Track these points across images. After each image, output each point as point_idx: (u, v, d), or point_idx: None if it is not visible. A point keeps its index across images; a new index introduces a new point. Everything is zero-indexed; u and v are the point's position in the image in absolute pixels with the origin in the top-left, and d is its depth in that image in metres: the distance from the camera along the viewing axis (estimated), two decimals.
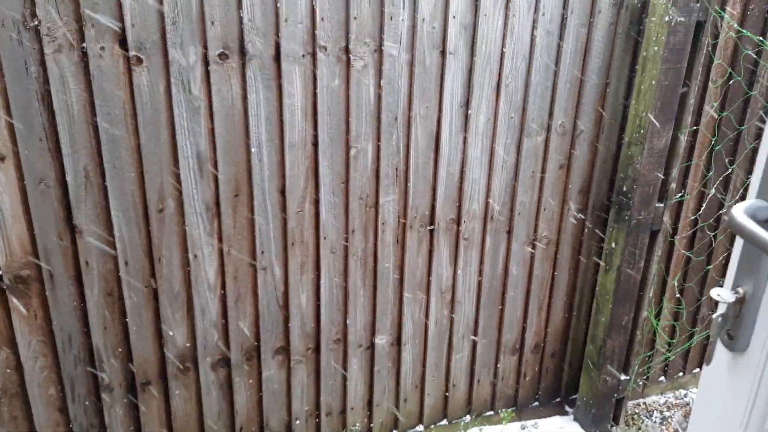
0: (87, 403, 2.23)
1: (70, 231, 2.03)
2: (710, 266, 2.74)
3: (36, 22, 1.81)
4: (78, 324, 2.14)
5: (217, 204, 2.19)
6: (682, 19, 2.25)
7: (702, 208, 2.57)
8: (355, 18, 2.14)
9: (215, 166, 2.14)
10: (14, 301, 2.03)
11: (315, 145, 2.26)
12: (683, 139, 2.42)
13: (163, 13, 1.92)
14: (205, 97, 2.06)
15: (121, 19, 1.89)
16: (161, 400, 2.34)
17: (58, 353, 2.13)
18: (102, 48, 1.89)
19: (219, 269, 2.27)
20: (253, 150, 2.17)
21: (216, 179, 2.16)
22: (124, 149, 2.01)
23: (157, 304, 2.22)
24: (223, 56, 2.04)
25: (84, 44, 1.87)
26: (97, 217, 2.05)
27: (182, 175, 2.11)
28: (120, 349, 2.22)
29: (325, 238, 2.38)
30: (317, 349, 2.52)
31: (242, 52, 2.06)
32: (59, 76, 1.87)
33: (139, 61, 1.94)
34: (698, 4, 2.26)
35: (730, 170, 2.54)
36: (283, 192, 2.27)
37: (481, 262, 2.61)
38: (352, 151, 2.31)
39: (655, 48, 2.28)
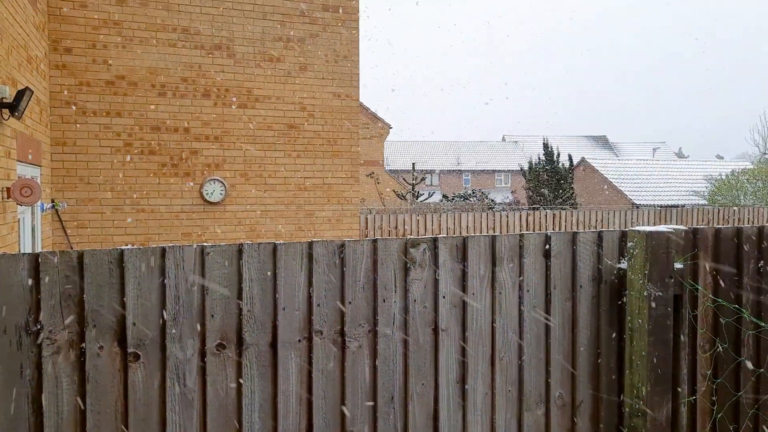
0: None
1: None
2: None
3: (38, 327, 1.85)
4: None
5: None
6: (660, 293, 2.37)
7: None
8: (350, 303, 2.23)
9: None
10: None
11: (309, 430, 2.18)
12: (684, 409, 2.39)
13: (164, 310, 1.99)
14: (200, 389, 2.03)
15: (123, 319, 1.94)
16: None
17: None
18: (100, 347, 1.91)
19: None
20: None
21: None
22: None
23: None
24: (220, 347, 2.06)
25: (83, 345, 1.90)
26: None
27: None
28: None
29: None
30: None
31: (239, 341, 2.09)
32: (53, 378, 1.86)
33: (136, 357, 1.95)
34: (672, 279, 2.40)
35: None
36: None
37: None
38: None
39: (639, 320, 2.37)
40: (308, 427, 2.17)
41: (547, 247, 2.45)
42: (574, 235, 2.48)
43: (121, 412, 1.93)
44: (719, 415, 2.41)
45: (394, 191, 28.46)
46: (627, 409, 2.41)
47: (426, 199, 29.29)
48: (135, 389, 1.95)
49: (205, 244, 2.06)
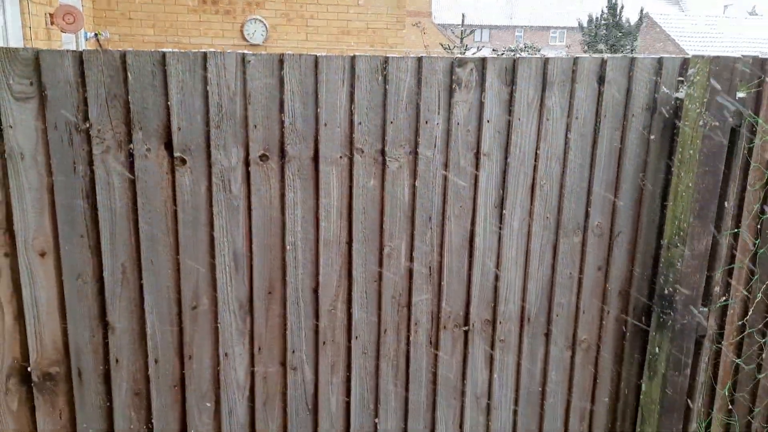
0: None
1: (102, 328, 2.02)
2: (761, 375, 2.59)
3: (87, 125, 1.89)
4: (103, 425, 2.08)
5: (251, 301, 2.18)
6: (717, 123, 2.26)
7: (749, 313, 2.47)
8: (391, 122, 2.20)
9: (251, 264, 2.15)
10: (40, 400, 1.99)
11: (349, 243, 2.26)
12: (724, 242, 2.37)
13: (208, 117, 2.00)
14: (244, 197, 2.10)
15: (168, 123, 1.96)
16: None
17: None
18: (148, 149, 1.96)
19: (249, 369, 2.22)
20: (288, 248, 2.18)
21: (251, 277, 2.16)
22: (162, 246, 2.03)
23: (184, 404, 2.16)
24: (263, 157, 2.09)
25: (131, 145, 1.95)
26: (130, 314, 2.04)
27: (218, 273, 2.11)
28: None
29: (356, 338, 2.33)
30: None
31: (282, 153, 2.11)
32: (105, 175, 1.94)
33: (183, 162, 2.00)
34: (732, 109, 2.27)
35: None
36: (316, 290, 2.25)
37: (519, 366, 2.51)
38: (386, 250, 2.30)
39: (691, 152, 2.28)
40: (348, 238, 2.24)
41: (602, 72, 2.33)
42: (632, 60, 2.34)
43: (171, 213, 2.02)
44: (761, 251, 2.39)
45: (441, 44, 27.35)
46: (666, 240, 2.40)
47: (474, 53, 28.13)
48: (183, 192, 2.02)
49: (246, 52, 2.01)
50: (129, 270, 2.02)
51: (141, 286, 2.04)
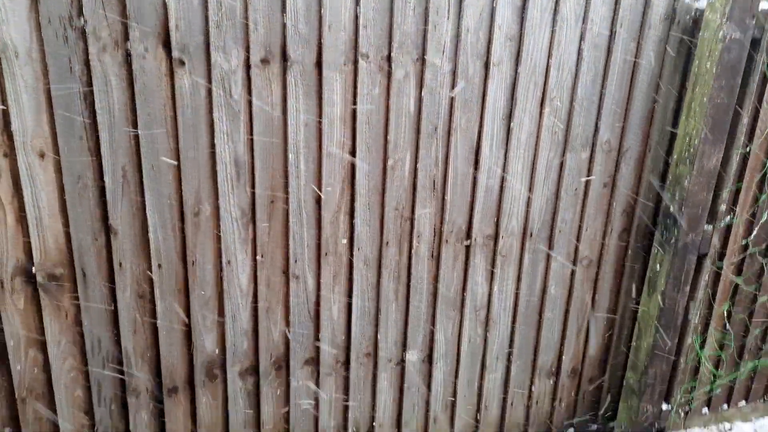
0: (113, 406, 2.20)
1: (105, 231, 2.02)
2: (763, 297, 2.61)
3: (82, 21, 1.81)
4: (108, 326, 2.12)
5: (253, 210, 2.17)
6: (737, 35, 2.16)
7: (753, 233, 2.46)
8: (398, 26, 2.11)
9: (252, 172, 2.12)
10: (46, 300, 2.02)
11: (352, 153, 2.22)
12: (735, 159, 2.33)
13: (207, 16, 1.92)
14: (246, 102, 2.04)
15: (166, 21, 1.88)
16: (187, 407, 2.30)
17: (87, 355, 2.11)
18: (146, 49, 1.89)
19: (252, 276, 2.23)
20: (290, 156, 2.15)
21: (253, 184, 2.14)
22: (162, 151, 2.00)
23: (188, 308, 2.20)
24: (264, 61, 2.02)
25: (128, 45, 1.88)
26: (132, 218, 2.04)
27: (219, 179, 2.09)
28: (148, 354, 2.19)
29: (359, 249, 2.33)
30: (347, 363, 2.46)
31: (284, 57, 2.04)
32: (102, 76, 1.88)
33: (182, 63, 1.94)
34: (753, 21, 2.17)
35: None
36: (318, 201, 2.23)
37: (519, 281, 2.53)
38: (390, 162, 2.26)
39: (708, 64, 2.20)
40: (351, 149, 2.21)
41: None
42: None
43: (170, 116, 1.98)
44: None
45: None
46: (675, 156, 2.36)
47: None
48: (182, 95, 1.97)
49: None
50: (129, 174, 1.99)
51: (142, 191, 2.02)
